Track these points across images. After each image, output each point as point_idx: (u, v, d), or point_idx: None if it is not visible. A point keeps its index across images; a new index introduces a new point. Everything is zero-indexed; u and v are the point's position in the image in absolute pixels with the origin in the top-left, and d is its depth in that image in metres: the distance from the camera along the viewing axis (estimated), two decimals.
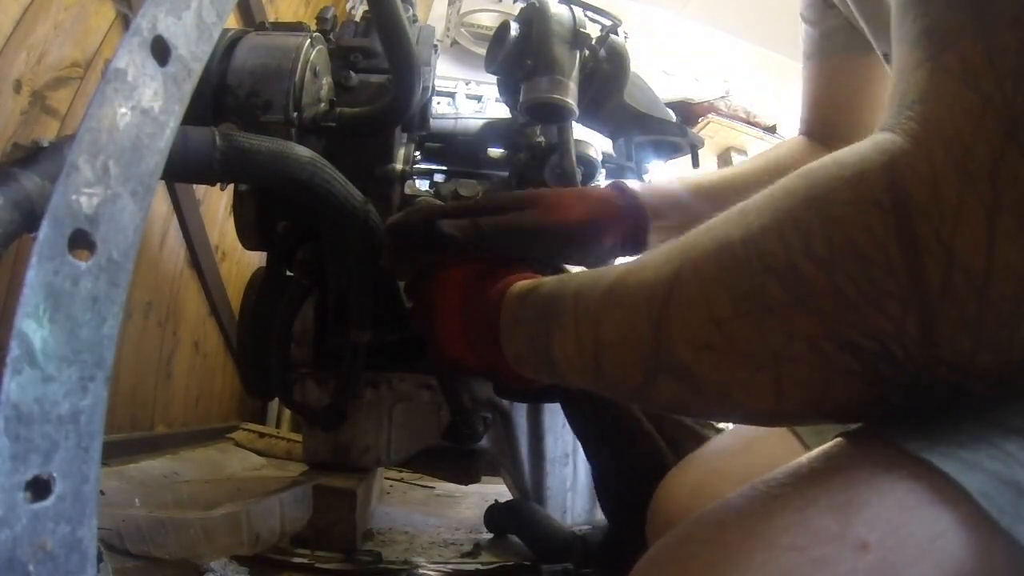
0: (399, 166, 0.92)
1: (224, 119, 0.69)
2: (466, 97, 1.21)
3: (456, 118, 1.11)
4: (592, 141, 1.04)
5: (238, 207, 0.92)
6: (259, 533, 0.79)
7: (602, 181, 1.11)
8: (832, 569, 0.29)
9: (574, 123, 0.91)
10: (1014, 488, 0.29)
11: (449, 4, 2.65)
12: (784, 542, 0.30)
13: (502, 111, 1.14)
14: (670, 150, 1.08)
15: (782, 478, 0.36)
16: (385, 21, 0.64)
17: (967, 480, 0.29)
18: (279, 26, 0.83)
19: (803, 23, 0.75)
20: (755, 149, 1.95)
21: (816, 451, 0.39)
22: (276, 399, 1.44)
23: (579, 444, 1.05)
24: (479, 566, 0.88)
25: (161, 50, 0.27)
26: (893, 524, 0.30)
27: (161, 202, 1.42)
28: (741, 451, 0.60)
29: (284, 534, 0.84)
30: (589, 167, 0.99)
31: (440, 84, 1.18)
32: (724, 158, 1.95)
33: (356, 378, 0.91)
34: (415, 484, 1.47)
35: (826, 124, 0.76)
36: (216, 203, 1.69)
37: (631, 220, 0.65)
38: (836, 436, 0.39)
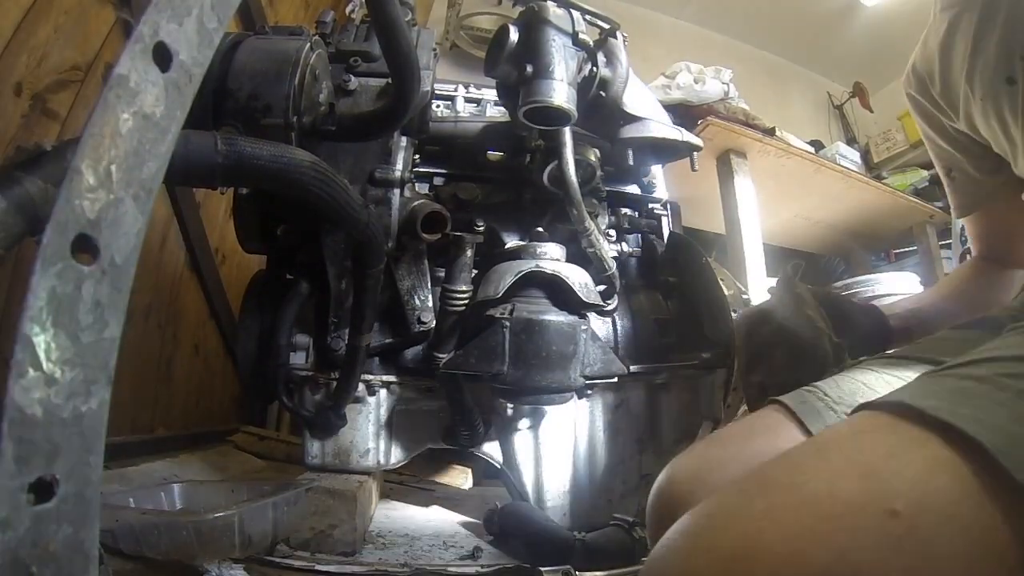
0: (398, 169, 0.92)
1: (224, 122, 0.69)
2: (465, 100, 1.21)
3: (455, 121, 1.11)
4: (591, 143, 1.04)
5: (238, 210, 0.92)
6: (251, 536, 0.79)
7: (601, 184, 1.11)
8: (865, 537, 0.30)
9: (572, 126, 0.92)
10: None
11: (448, 7, 2.66)
12: (815, 512, 0.31)
13: (501, 114, 1.14)
14: (669, 153, 1.09)
15: (805, 451, 0.37)
16: (384, 24, 0.65)
17: (988, 440, 0.31)
18: (279, 30, 0.83)
19: (965, 178, 0.87)
20: (754, 152, 1.95)
21: (839, 424, 0.40)
22: (276, 402, 1.44)
23: (578, 446, 1.06)
24: (479, 568, 0.88)
25: (163, 56, 0.27)
26: (920, 491, 0.31)
27: (161, 205, 1.42)
28: (740, 436, 0.60)
29: (276, 537, 0.84)
30: (587, 171, 0.99)
31: (439, 87, 1.18)
32: (723, 160, 1.95)
33: (356, 381, 0.92)
34: (415, 486, 1.47)
35: (1000, 254, 0.89)
36: (216, 206, 1.69)
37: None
38: (856, 408, 0.40)
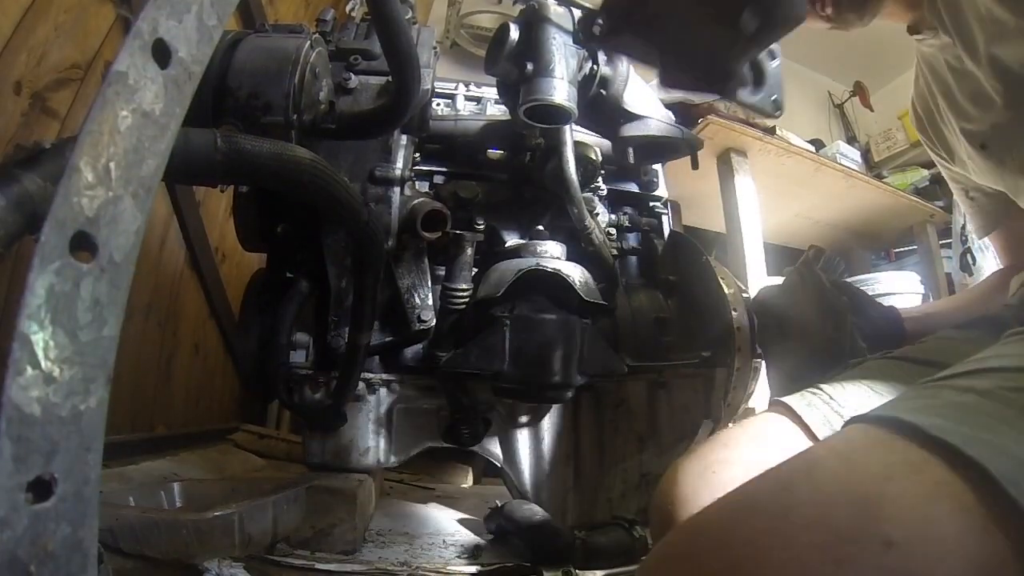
0: (399, 167, 0.92)
1: (224, 120, 0.69)
2: (466, 99, 1.21)
3: (456, 120, 1.11)
4: (592, 142, 1.04)
5: (238, 208, 0.92)
6: (251, 535, 0.79)
7: (601, 183, 1.11)
8: (856, 569, 0.28)
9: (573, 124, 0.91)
10: None
11: (449, 5, 2.65)
12: (804, 540, 0.29)
13: (502, 112, 1.14)
14: (669, 151, 1.08)
15: (795, 470, 0.35)
16: (385, 23, 0.64)
17: (995, 466, 0.28)
18: (279, 28, 0.83)
19: (984, 196, 0.89)
20: (755, 150, 1.94)
21: (832, 438, 0.38)
22: (276, 400, 1.44)
23: (579, 445, 1.06)
24: (479, 567, 0.88)
25: (162, 53, 0.27)
26: (918, 520, 0.28)
27: (161, 203, 1.42)
28: (744, 439, 0.60)
29: (276, 536, 0.84)
30: (588, 169, 0.99)
31: (440, 86, 1.18)
32: (723, 159, 1.95)
33: (356, 379, 0.92)
34: (415, 485, 1.47)
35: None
36: (216, 204, 1.69)
37: None
38: (849, 421, 0.38)
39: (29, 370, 0.21)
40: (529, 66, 0.83)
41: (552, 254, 0.90)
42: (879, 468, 0.32)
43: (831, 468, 0.34)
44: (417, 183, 1.04)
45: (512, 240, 1.00)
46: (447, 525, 1.11)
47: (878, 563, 0.28)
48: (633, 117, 0.96)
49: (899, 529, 0.28)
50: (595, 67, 0.90)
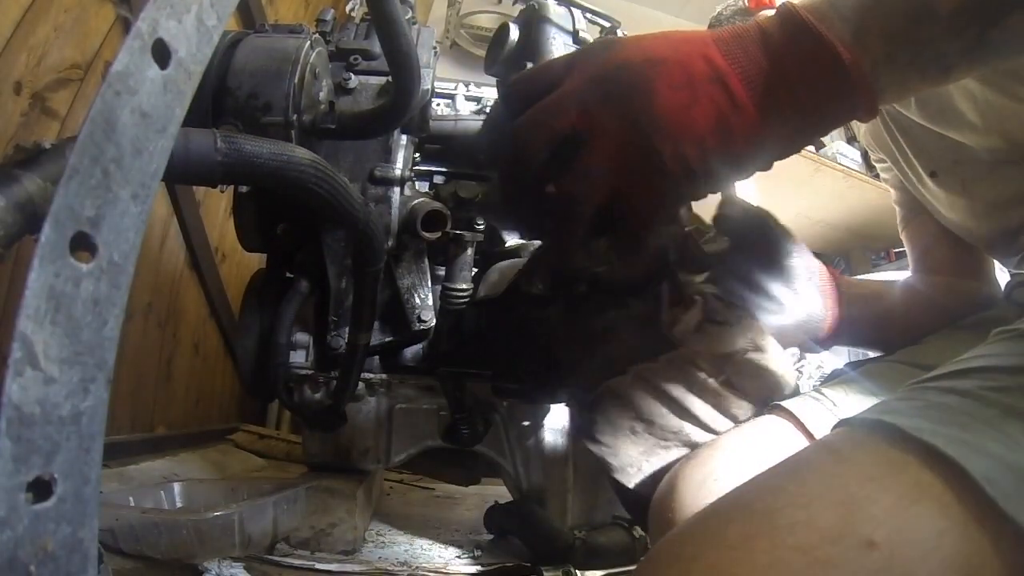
0: (399, 167, 0.92)
1: (224, 121, 0.69)
2: (465, 99, 1.21)
3: (456, 120, 1.11)
4: None
5: (238, 209, 0.92)
6: (251, 535, 0.79)
7: None
8: (839, 570, 0.28)
9: None
10: (1018, 473, 0.29)
11: (449, 6, 2.65)
12: (789, 542, 0.30)
13: None
14: None
15: (783, 472, 0.35)
16: (384, 22, 0.64)
17: (972, 465, 0.29)
18: (279, 28, 0.83)
19: (900, 201, 0.92)
20: None
21: (818, 442, 0.39)
22: (276, 400, 1.44)
23: (579, 444, 1.06)
24: (479, 567, 0.88)
25: (162, 53, 0.27)
26: (899, 520, 0.29)
27: (161, 203, 1.42)
28: (746, 445, 0.59)
29: (276, 536, 0.84)
30: None
31: (440, 86, 1.18)
32: None
33: (356, 379, 0.92)
34: (415, 485, 1.47)
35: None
36: (216, 204, 1.69)
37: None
38: (836, 424, 0.38)
39: (29, 370, 0.21)
40: (529, 66, 0.83)
41: None
42: (862, 470, 0.32)
43: (817, 469, 0.34)
44: (417, 183, 1.04)
45: (512, 240, 1.00)
46: (447, 525, 1.11)
47: (860, 564, 0.28)
48: None
49: (881, 529, 0.29)
50: None
